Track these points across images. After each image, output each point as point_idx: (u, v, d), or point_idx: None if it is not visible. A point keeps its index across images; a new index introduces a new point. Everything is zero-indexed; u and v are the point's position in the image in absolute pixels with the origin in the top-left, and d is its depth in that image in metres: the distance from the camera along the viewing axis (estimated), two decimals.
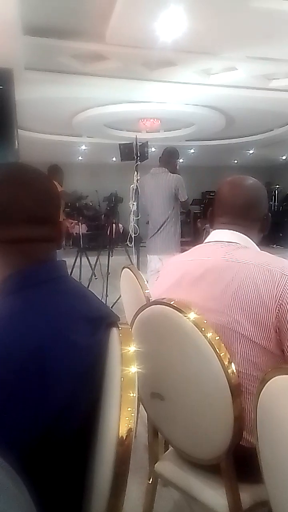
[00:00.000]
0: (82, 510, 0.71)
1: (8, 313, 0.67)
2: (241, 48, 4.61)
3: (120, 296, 2.25)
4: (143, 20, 3.83)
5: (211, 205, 1.27)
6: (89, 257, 5.83)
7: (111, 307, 3.65)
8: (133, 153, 4.42)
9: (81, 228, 6.63)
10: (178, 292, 1.14)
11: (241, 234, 1.17)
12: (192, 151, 11.22)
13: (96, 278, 5.49)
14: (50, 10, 3.78)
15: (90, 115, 7.13)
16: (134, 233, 4.42)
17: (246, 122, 8.01)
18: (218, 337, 0.98)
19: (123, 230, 8.23)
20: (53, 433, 0.62)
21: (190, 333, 1.00)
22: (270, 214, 1.26)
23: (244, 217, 1.18)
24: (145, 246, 4.13)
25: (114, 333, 0.79)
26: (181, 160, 7.50)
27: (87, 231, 9.49)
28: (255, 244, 1.19)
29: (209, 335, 0.97)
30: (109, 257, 5.06)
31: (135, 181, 4.29)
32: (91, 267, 5.63)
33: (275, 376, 0.75)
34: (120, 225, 8.60)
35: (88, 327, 0.72)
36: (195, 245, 1.25)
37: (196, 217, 12.50)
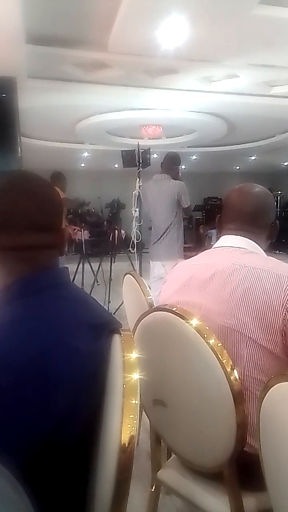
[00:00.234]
0: None
1: (10, 320, 0.67)
2: (243, 56, 4.64)
3: (122, 302, 2.25)
4: (145, 28, 3.87)
5: (219, 211, 1.29)
6: (91, 263, 5.84)
7: (113, 313, 3.65)
8: (135, 159, 4.44)
9: (83, 235, 6.64)
10: (186, 295, 1.15)
11: (249, 240, 1.19)
12: (194, 157, 11.26)
13: (98, 284, 5.49)
14: (53, 19, 3.83)
15: (92, 122, 7.18)
16: (137, 239, 4.42)
17: (247, 129, 8.04)
18: (220, 344, 0.98)
19: (125, 236, 8.24)
20: (54, 440, 0.62)
21: (192, 339, 1.00)
22: (278, 221, 1.28)
23: (252, 224, 1.20)
24: (147, 252, 4.13)
25: (116, 339, 0.79)
26: (183, 167, 7.50)
27: (89, 238, 9.51)
28: (262, 251, 1.21)
29: (211, 341, 0.97)
30: (111, 263, 5.07)
31: (137, 187, 4.30)
32: (93, 273, 5.64)
33: (278, 383, 0.75)
34: (123, 231, 8.61)
35: (90, 333, 0.73)
36: (197, 251, 1.26)
37: (198, 223, 12.51)
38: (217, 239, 1.27)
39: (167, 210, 3.80)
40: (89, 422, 0.70)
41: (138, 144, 4.56)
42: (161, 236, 3.83)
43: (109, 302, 4.53)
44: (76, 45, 4.34)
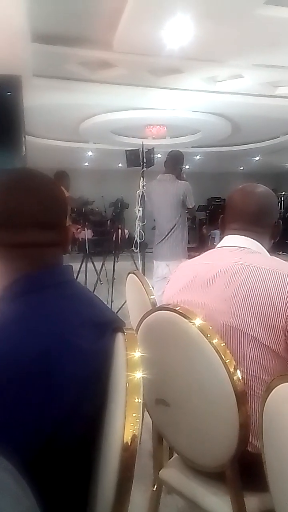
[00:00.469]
0: None
1: (14, 317, 0.67)
2: (247, 56, 4.63)
3: (125, 302, 2.25)
4: (150, 28, 3.87)
5: (222, 212, 1.29)
6: (94, 263, 5.84)
7: (116, 313, 3.63)
8: (139, 159, 4.44)
9: (86, 234, 6.65)
10: (189, 294, 1.15)
11: (252, 239, 1.19)
12: (198, 157, 11.25)
13: (101, 284, 5.49)
14: (58, 18, 3.83)
15: (97, 121, 7.18)
16: (140, 239, 4.42)
17: (252, 129, 8.03)
18: (223, 344, 0.97)
19: (128, 235, 8.24)
20: (57, 438, 0.62)
21: (195, 339, 0.99)
22: (281, 221, 1.28)
23: (256, 223, 1.20)
24: (150, 252, 4.13)
25: (120, 338, 0.79)
26: (187, 167, 7.48)
27: (92, 237, 9.51)
28: (266, 250, 1.21)
29: (214, 341, 0.97)
30: (114, 262, 5.07)
31: (141, 187, 4.31)
32: (96, 272, 5.64)
33: (281, 383, 0.75)
34: (126, 231, 8.60)
35: (93, 332, 0.73)
36: (201, 251, 1.27)
37: (202, 223, 12.49)
38: (220, 239, 1.27)
39: (172, 210, 3.80)
40: (92, 420, 0.70)
41: (142, 144, 4.56)
42: (166, 236, 3.83)
43: (112, 301, 4.54)
44: (81, 44, 4.35)
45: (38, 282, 0.73)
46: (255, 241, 1.19)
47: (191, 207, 3.85)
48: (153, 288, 1.82)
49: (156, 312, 1.13)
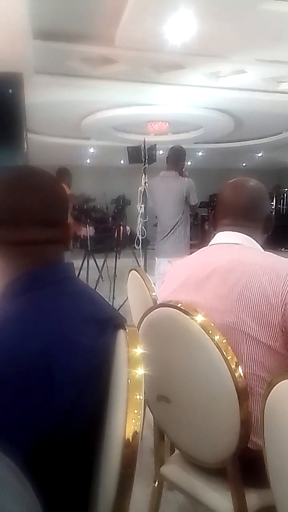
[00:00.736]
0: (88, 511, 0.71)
1: (15, 315, 0.68)
2: (250, 51, 4.60)
3: (127, 299, 2.25)
4: (152, 23, 3.85)
5: (214, 208, 1.28)
6: (96, 259, 5.85)
7: (118, 309, 3.64)
8: (141, 156, 4.43)
9: (88, 231, 6.65)
10: (184, 294, 1.14)
11: (244, 235, 1.18)
12: (200, 153, 11.21)
13: (103, 280, 5.50)
14: (60, 14, 3.82)
15: (98, 118, 7.17)
16: (142, 236, 4.42)
17: (254, 125, 7.99)
18: (225, 340, 0.97)
19: (130, 232, 8.25)
20: (59, 434, 0.62)
21: (197, 335, 1.00)
22: (273, 214, 1.27)
23: (247, 218, 1.19)
24: (152, 249, 4.13)
25: (121, 335, 0.79)
26: (189, 163, 7.44)
27: (94, 233, 9.51)
28: (259, 245, 1.20)
29: (216, 338, 0.97)
30: (116, 259, 5.07)
31: (143, 183, 4.30)
32: (98, 269, 5.65)
33: (282, 380, 0.75)
34: (128, 228, 8.62)
35: (95, 328, 0.73)
36: (203, 247, 1.26)
37: (204, 220, 12.46)
38: (213, 236, 1.26)
39: (175, 207, 3.79)
40: (94, 416, 0.70)
41: (144, 140, 4.54)
42: (168, 233, 3.82)
43: (113, 298, 4.54)
44: (83, 40, 4.33)
45: (39, 280, 0.74)
46: (248, 236, 1.18)
47: (194, 204, 3.84)
48: (154, 284, 1.82)
49: (158, 309, 1.13)
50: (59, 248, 0.79)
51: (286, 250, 9.60)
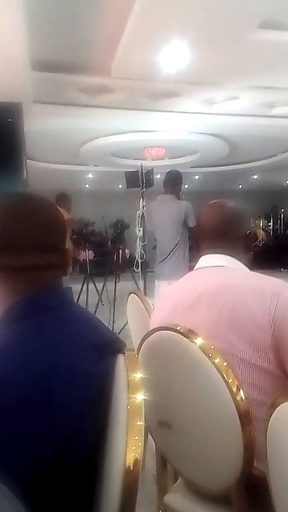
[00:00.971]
0: None
1: (14, 340, 0.67)
2: (243, 78, 4.75)
3: (127, 322, 2.24)
4: (147, 54, 3.98)
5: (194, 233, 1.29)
6: (96, 283, 5.84)
7: (118, 333, 3.62)
8: (138, 180, 4.49)
9: (88, 254, 6.67)
10: (174, 321, 1.13)
11: (226, 256, 1.17)
12: (196, 177, 11.37)
13: (103, 304, 5.48)
14: (57, 46, 3.96)
15: (97, 144, 7.31)
16: (141, 259, 4.44)
17: (249, 149, 8.15)
18: (225, 363, 0.97)
19: (129, 255, 8.27)
20: (58, 462, 0.61)
21: (197, 359, 0.99)
22: (253, 232, 1.28)
23: (223, 238, 1.19)
24: (152, 272, 4.13)
25: (121, 359, 0.78)
26: (186, 186, 7.53)
27: (94, 257, 9.54)
28: (242, 264, 1.19)
29: (216, 361, 0.96)
30: (115, 282, 5.07)
31: (141, 207, 4.35)
32: (98, 293, 5.63)
33: (284, 402, 0.74)
34: (127, 251, 8.65)
35: (94, 353, 0.72)
36: (189, 272, 1.26)
37: None
38: (196, 260, 1.25)
39: (173, 230, 3.83)
40: (93, 443, 0.69)
41: (142, 165, 4.62)
42: (168, 255, 3.84)
43: (113, 322, 4.51)
44: (80, 71, 4.47)
45: (37, 306, 0.74)
46: (230, 257, 1.17)
47: (192, 226, 3.87)
48: (154, 307, 1.82)
49: (157, 332, 1.12)
50: (58, 274, 0.80)
51: (285, 270, 9.61)
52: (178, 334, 1.03)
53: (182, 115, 5.89)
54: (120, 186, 11.20)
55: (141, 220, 4.35)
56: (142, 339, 1.16)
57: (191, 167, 9.80)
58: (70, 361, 0.66)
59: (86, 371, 0.68)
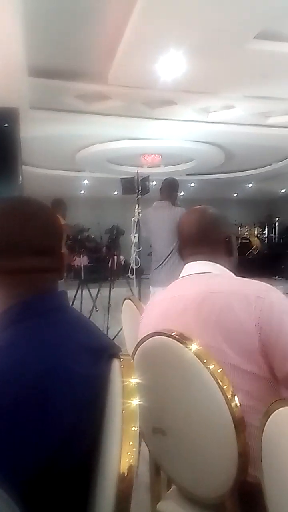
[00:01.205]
0: None
1: (9, 344, 0.67)
2: (239, 88, 4.80)
3: (121, 329, 2.23)
4: (144, 62, 4.02)
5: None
6: (90, 289, 5.82)
7: (113, 339, 3.59)
8: (134, 187, 4.51)
9: (82, 260, 6.66)
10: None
11: (209, 262, 1.17)
12: (192, 185, 11.43)
13: (97, 310, 5.46)
14: (55, 52, 3.98)
15: (93, 151, 7.33)
16: (136, 265, 4.43)
17: (245, 157, 8.22)
18: (220, 369, 0.96)
19: (124, 262, 8.26)
20: (53, 466, 0.60)
21: (192, 364, 0.98)
22: (234, 236, 1.27)
23: (202, 244, 1.19)
24: (146, 278, 4.13)
25: (116, 364, 0.78)
26: (181, 194, 7.59)
27: (88, 263, 9.52)
28: (226, 269, 1.19)
29: (211, 367, 0.96)
30: (110, 289, 5.06)
31: (136, 213, 4.35)
32: (92, 299, 5.61)
33: (278, 408, 0.74)
34: (122, 257, 8.63)
35: (89, 357, 0.72)
36: (175, 281, 1.26)
37: None
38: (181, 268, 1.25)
39: (168, 236, 3.83)
40: (88, 448, 0.69)
41: (137, 172, 4.64)
42: (163, 262, 3.84)
43: (108, 328, 4.50)
44: (77, 78, 4.50)
45: (33, 309, 0.74)
46: (213, 263, 1.17)
47: None
48: None
49: (152, 338, 1.12)
50: (54, 277, 0.80)
51: (279, 278, 9.64)
52: (173, 340, 1.03)
53: (179, 123, 5.94)
54: (115, 193, 11.22)
55: (136, 226, 4.36)
56: (137, 344, 1.16)
57: (186, 175, 9.85)
58: (66, 364, 0.66)
59: (82, 374, 0.68)
